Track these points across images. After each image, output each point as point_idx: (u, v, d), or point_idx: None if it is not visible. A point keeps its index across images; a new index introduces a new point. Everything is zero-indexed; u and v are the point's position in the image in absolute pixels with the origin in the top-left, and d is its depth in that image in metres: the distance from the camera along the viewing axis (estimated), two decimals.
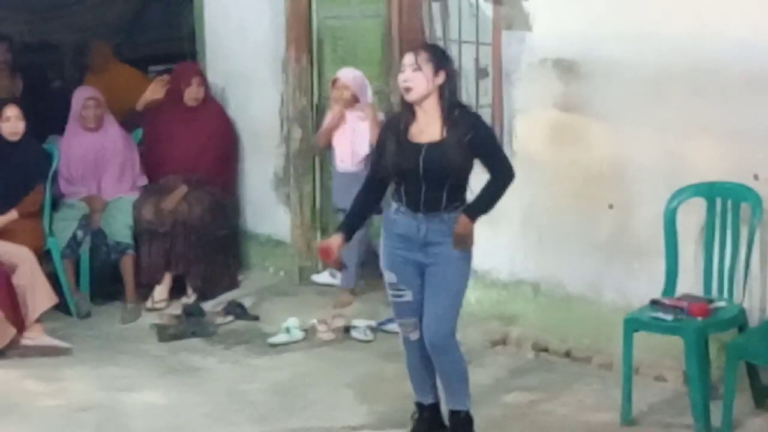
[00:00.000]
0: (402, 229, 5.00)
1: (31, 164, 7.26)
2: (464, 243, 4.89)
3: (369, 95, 7.20)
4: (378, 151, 5.07)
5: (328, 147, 7.34)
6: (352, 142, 7.14)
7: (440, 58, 4.95)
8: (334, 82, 7.20)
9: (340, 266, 5.19)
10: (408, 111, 4.96)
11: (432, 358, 5.06)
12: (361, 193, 5.16)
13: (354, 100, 7.14)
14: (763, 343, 5.18)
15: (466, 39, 6.63)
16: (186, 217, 7.45)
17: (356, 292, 7.39)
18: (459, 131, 4.85)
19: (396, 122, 5.02)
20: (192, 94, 7.80)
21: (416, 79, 4.87)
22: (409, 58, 4.91)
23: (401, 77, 4.92)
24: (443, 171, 4.84)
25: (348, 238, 5.08)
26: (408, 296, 5.04)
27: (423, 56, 4.89)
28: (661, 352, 5.66)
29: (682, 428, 5.29)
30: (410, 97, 4.89)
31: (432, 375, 5.20)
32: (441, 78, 4.89)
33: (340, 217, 7.23)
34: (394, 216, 5.04)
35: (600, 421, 5.45)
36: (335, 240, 5.06)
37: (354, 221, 5.16)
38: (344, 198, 7.19)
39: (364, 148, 7.10)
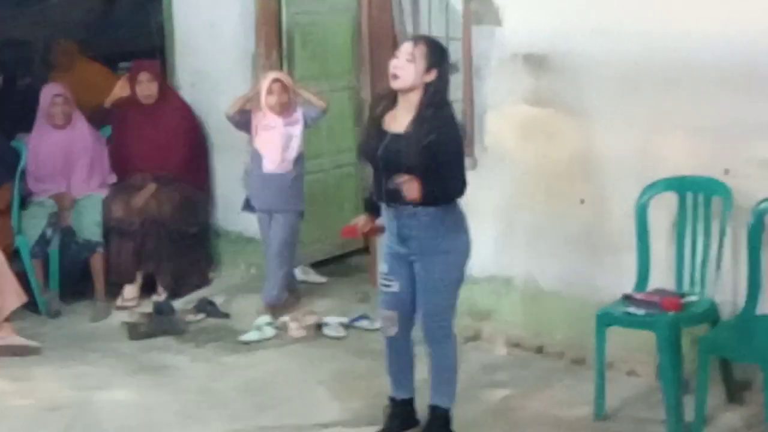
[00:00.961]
0: (386, 222, 5.06)
1: None
2: (409, 189, 4.83)
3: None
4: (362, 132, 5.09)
5: (241, 121, 7.14)
6: (283, 148, 7.01)
7: (437, 56, 4.93)
8: (271, 85, 6.97)
9: (377, 231, 5.29)
10: (390, 97, 4.96)
11: (426, 349, 5.10)
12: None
13: (289, 105, 7.02)
14: (735, 338, 5.20)
15: (436, 34, 6.60)
16: (156, 214, 7.41)
17: (299, 294, 7.37)
18: (423, 129, 4.84)
19: (377, 105, 5.05)
20: (142, 91, 7.71)
21: (406, 69, 4.87)
22: (406, 47, 4.93)
23: (393, 62, 4.92)
24: (397, 163, 4.84)
25: (375, 215, 5.13)
26: (395, 287, 5.09)
27: (421, 49, 4.89)
28: (634, 347, 5.67)
29: (655, 423, 5.29)
30: (395, 85, 4.91)
31: (410, 371, 5.24)
32: (431, 76, 4.89)
33: (251, 218, 7.22)
34: (382, 209, 5.10)
35: (573, 417, 5.46)
36: (361, 220, 5.19)
37: (373, 201, 5.15)
38: (262, 199, 7.12)
39: (293, 153, 7.04)
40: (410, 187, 4.78)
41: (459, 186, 4.95)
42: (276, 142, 7.01)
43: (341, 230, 5.42)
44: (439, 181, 4.85)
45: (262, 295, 7.16)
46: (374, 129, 4.98)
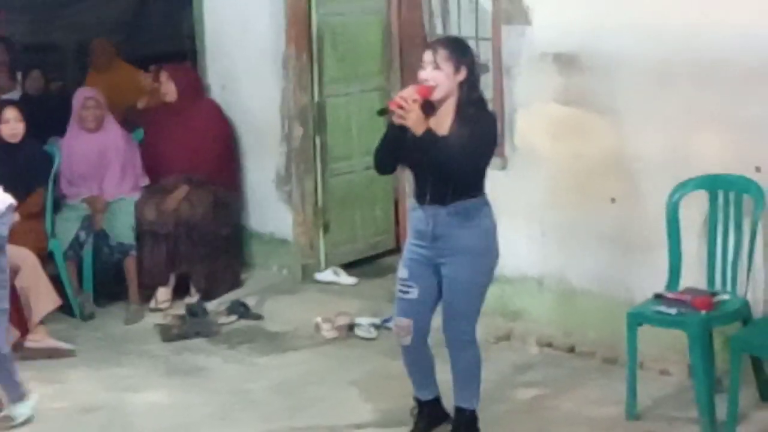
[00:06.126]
0: (415, 224, 5.04)
1: (31, 166, 7.27)
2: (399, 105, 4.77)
3: None
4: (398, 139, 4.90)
5: None
6: None
7: (460, 54, 4.88)
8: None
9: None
10: (429, 104, 4.89)
11: (449, 353, 5.09)
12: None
13: None
14: (767, 336, 5.17)
15: (465, 34, 6.62)
16: (188, 216, 7.44)
17: None
18: (465, 128, 4.83)
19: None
20: (162, 89, 7.79)
21: (437, 77, 4.83)
22: (428, 56, 4.87)
23: (422, 74, 4.87)
24: (445, 165, 4.81)
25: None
26: (413, 294, 5.05)
27: (442, 54, 4.84)
28: (666, 345, 5.67)
29: (687, 422, 5.28)
30: (435, 97, 4.85)
31: (430, 373, 5.23)
32: (462, 75, 4.86)
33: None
34: (411, 212, 5.11)
35: (605, 416, 5.45)
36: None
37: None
38: None
39: None
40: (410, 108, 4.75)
41: (477, 183, 4.94)
42: None
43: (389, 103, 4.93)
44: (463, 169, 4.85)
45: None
46: (421, 135, 4.86)
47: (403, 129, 4.82)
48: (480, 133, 4.86)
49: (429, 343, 5.18)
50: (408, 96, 4.79)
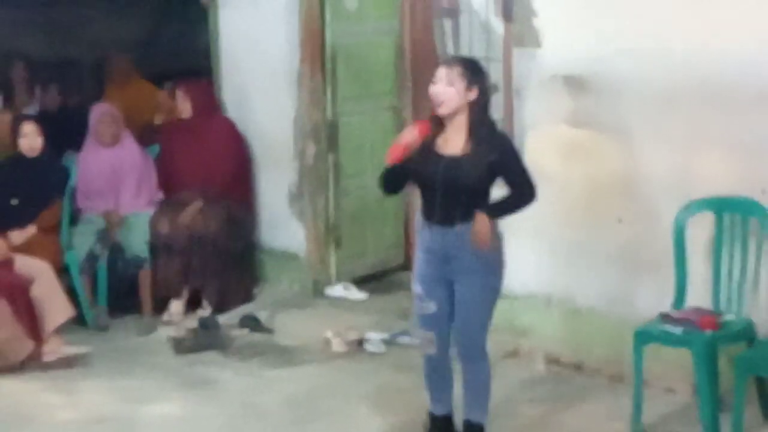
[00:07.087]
0: (425, 242, 5.09)
1: (49, 180, 7.35)
2: (483, 240, 4.90)
3: None
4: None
5: None
6: None
7: (474, 74, 4.94)
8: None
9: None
10: (437, 120, 4.97)
11: (461, 366, 5.14)
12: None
13: None
14: None
15: (476, 55, 6.68)
16: (202, 231, 7.50)
17: None
18: (483, 150, 4.88)
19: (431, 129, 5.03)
20: (178, 105, 7.89)
21: (448, 93, 4.89)
22: (442, 72, 4.93)
23: (433, 89, 4.93)
24: (459, 185, 4.88)
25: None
26: (431, 309, 5.11)
27: (456, 71, 4.90)
28: (671, 364, 5.70)
29: None
30: (442, 112, 4.91)
31: (448, 387, 5.27)
32: (473, 94, 4.91)
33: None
34: (420, 229, 5.15)
35: None
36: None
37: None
38: None
39: None
40: (483, 228, 4.90)
41: (533, 190, 5.04)
42: None
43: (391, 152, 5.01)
44: (515, 195, 5.01)
45: None
46: (428, 152, 4.95)
47: (403, 165, 4.95)
48: (504, 153, 4.94)
49: (450, 358, 5.23)
50: (408, 141, 4.92)
